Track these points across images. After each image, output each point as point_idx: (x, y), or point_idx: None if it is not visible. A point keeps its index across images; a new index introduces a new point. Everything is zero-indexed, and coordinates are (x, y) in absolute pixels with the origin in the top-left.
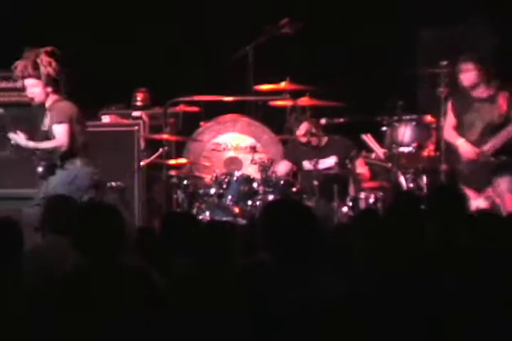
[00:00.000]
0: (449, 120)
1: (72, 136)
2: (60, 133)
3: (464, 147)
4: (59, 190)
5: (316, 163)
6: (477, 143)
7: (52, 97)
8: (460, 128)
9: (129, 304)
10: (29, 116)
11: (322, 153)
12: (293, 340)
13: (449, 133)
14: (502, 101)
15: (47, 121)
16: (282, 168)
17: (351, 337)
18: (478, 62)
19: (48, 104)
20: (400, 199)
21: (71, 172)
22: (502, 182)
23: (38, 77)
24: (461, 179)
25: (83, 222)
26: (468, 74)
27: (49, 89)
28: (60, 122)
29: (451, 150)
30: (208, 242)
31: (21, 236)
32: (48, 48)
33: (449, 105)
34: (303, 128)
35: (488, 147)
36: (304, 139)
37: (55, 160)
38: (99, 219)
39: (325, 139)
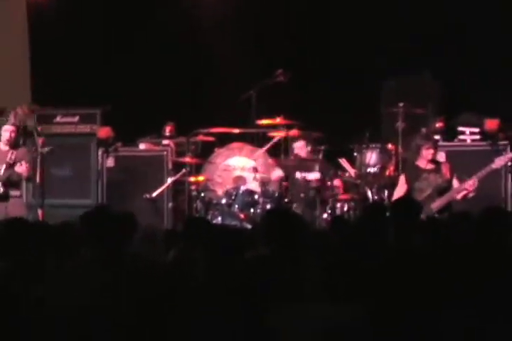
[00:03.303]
0: (401, 189)
1: None
2: None
3: None
4: None
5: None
6: (425, 203)
7: None
8: (411, 194)
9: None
10: None
11: (310, 170)
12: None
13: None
14: (446, 170)
15: None
16: (276, 173)
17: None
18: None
19: None
20: (368, 208)
21: None
22: None
23: None
24: None
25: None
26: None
27: None
28: None
29: None
30: (219, 240)
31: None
32: None
33: (402, 177)
34: (299, 144)
35: (435, 205)
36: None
37: None
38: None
39: (316, 162)
